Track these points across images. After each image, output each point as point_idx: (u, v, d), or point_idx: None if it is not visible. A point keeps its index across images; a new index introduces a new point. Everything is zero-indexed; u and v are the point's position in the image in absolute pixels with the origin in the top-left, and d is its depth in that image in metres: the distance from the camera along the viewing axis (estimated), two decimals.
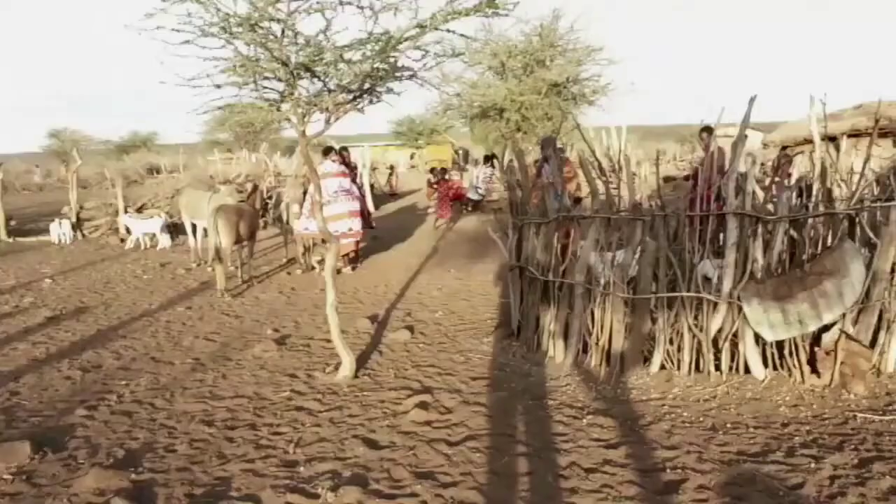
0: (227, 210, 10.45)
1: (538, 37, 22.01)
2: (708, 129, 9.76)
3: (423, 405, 5.58)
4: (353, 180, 13.01)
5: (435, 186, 19.49)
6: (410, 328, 8.02)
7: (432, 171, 23.97)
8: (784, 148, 12.05)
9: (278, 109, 6.29)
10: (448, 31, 5.92)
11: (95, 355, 7.21)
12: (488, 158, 22.25)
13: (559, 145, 19.70)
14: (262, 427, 5.29)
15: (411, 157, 53.58)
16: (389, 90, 6.45)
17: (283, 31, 5.53)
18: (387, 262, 13.11)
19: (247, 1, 5.32)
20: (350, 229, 11.96)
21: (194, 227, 13.11)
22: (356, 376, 6.39)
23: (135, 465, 4.64)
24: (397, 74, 6.29)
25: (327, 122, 6.24)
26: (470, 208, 21.50)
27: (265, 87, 6.11)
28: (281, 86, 6.04)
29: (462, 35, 6.11)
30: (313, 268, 12.10)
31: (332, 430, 5.20)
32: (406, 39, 5.78)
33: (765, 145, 14.24)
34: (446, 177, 18.91)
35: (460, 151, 40.55)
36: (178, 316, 9.03)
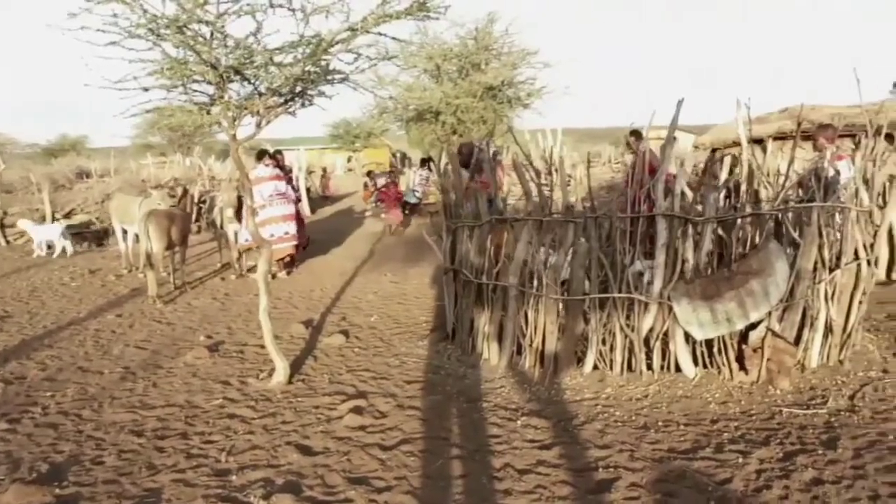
0: (157, 215, 10.27)
1: (473, 40, 22.09)
2: (635, 133, 9.93)
3: (357, 410, 5.55)
4: (289, 184, 12.92)
5: (384, 191, 19.41)
6: (345, 333, 7.97)
7: (369, 174, 23.91)
8: (714, 150, 12.30)
9: (208, 113, 6.20)
10: (380, 34, 5.91)
11: (19, 366, 6.99)
12: (424, 161, 22.29)
13: (494, 148, 19.89)
14: (194, 436, 5.20)
15: (348, 160, 53.34)
16: (321, 93, 6.42)
17: (212, 34, 5.45)
18: (322, 267, 13.03)
19: (175, 2, 5.23)
20: (286, 233, 11.88)
21: (125, 232, 12.84)
22: (290, 382, 6.33)
23: (59, 479, 4.51)
24: (329, 78, 6.26)
25: (258, 125, 6.16)
26: (407, 212, 21.51)
27: (194, 91, 6.02)
28: (211, 89, 5.96)
29: (394, 38, 6.11)
30: (249, 272, 11.95)
31: (265, 437, 5.14)
32: (337, 42, 5.76)
33: (696, 147, 14.55)
34: (394, 179, 18.85)
35: (398, 154, 40.50)
36: (108, 324, 8.82)
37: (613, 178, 27.85)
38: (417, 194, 21.24)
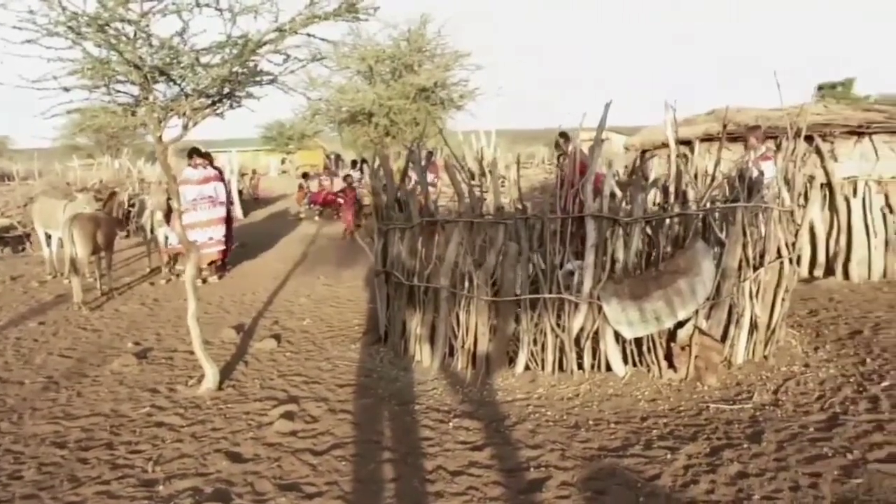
0: (82, 219, 9.98)
1: (406, 42, 22.06)
2: (564, 135, 10.02)
3: (288, 415, 5.49)
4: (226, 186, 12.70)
5: (341, 196, 19.19)
6: (277, 337, 7.88)
7: (304, 175, 23.71)
8: (644, 151, 12.49)
9: (133, 114, 6.05)
10: (309, 35, 5.86)
11: None
12: (356, 163, 22.20)
13: (429, 149, 19.90)
14: (120, 446, 5.06)
15: (282, 162, 52.73)
16: (249, 95, 6.33)
17: (135, 33, 5.32)
18: (255, 270, 12.86)
19: (96, 0, 5.09)
20: (210, 238, 11.62)
21: (49, 237, 12.45)
22: (220, 388, 6.22)
23: None
24: (257, 79, 6.17)
25: (185, 127, 6.04)
26: (341, 213, 21.39)
27: (118, 91, 5.87)
28: (135, 90, 5.82)
29: (323, 39, 6.06)
30: (178, 276, 11.72)
31: (193, 445, 5.04)
32: (265, 43, 5.68)
33: (626, 149, 14.74)
34: (350, 183, 18.69)
35: (332, 156, 40.19)
36: (30, 332, 8.54)
37: (546, 179, 28.15)
38: None
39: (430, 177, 14.45)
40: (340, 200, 21.50)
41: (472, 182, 6.89)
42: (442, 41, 22.52)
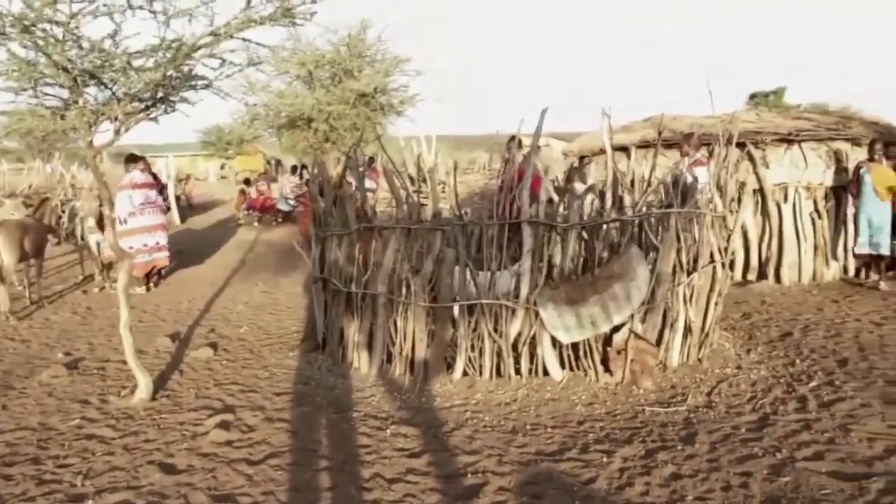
0: (9, 225, 9.69)
1: (346, 47, 21.91)
2: (514, 140, 10.09)
3: (224, 425, 5.39)
4: (160, 192, 12.48)
5: (302, 199, 18.95)
6: (214, 345, 7.75)
7: (246, 181, 23.43)
8: (582, 157, 12.63)
9: (62, 118, 5.90)
10: (244, 39, 5.79)
11: None
12: (296, 169, 22.03)
13: (370, 155, 19.85)
14: (47, 460, 4.90)
15: (221, 167, 52.03)
16: (184, 100, 6.23)
17: (64, 35, 5.19)
18: (192, 277, 12.64)
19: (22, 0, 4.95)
20: (157, 243, 11.40)
21: None
22: (154, 398, 6.08)
23: None
24: (192, 83, 6.09)
25: (117, 132, 5.92)
26: (280, 219, 21.20)
27: (46, 94, 5.74)
28: (65, 92, 5.69)
29: (259, 44, 6.00)
30: (112, 285, 11.45)
31: (125, 457, 4.91)
32: (200, 47, 5.60)
33: (565, 155, 14.89)
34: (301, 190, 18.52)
35: (272, 162, 39.78)
36: None
37: (487, 184, 28.28)
38: (290, 202, 20.98)
39: (370, 183, 14.42)
40: (280, 206, 21.36)
41: (413, 188, 6.88)
42: (382, 46, 22.44)
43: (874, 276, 9.98)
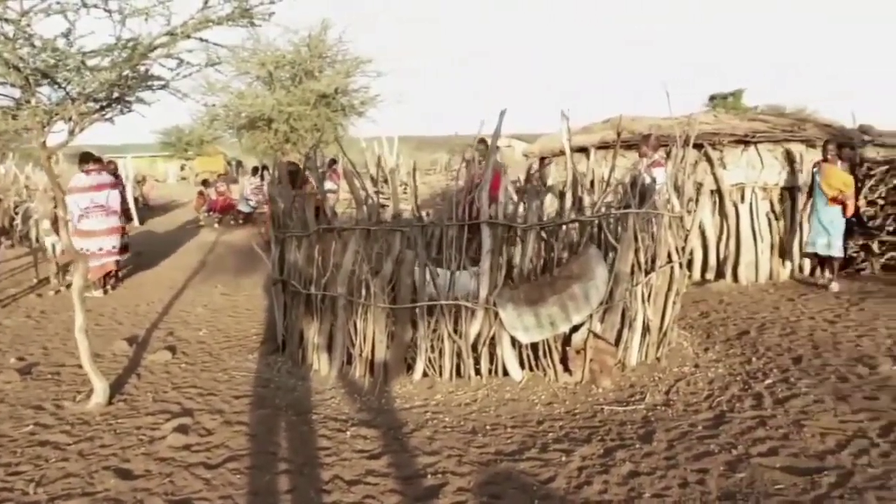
0: None
1: (307, 47, 21.83)
2: (484, 141, 10.12)
3: (181, 429, 5.33)
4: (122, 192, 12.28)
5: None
6: (172, 348, 7.66)
7: (204, 182, 23.20)
8: (543, 159, 12.69)
9: (14, 118, 5.79)
10: (202, 39, 5.73)
11: None
12: (257, 170, 21.87)
13: (332, 156, 19.76)
14: None
15: (181, 168, 51.52)
16: (140, 100, 6.14)
17: (14, 33, 5.09)
18: (150, 280, 12.48)
19: None
20: (100, 249, 11.13)
21: None
22: (110, 403, 5.99)
23: None
24: (149, 84, 6.00)
25: (71, 132, 5.82)
26: (241, 221, 21.03)
27: None
28: (17, 92, 5.58)
29: (217, 44, 5.95)
30: (69, 287, 11.26)
31: (80, 463, 4.83)
32: (157, 47, 5.53)
33: (525, 156, 14.95)
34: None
35: (233, 163, 39.41)
36: None
37: (448, 185, 28.31)
38: (251, 203, 20.81)
39: (331, 184, 14.36)
40: (240, 208, 21.18)
41: (374, 189, 6.87)
42: (343, 47, 22.40)
43: (828, 275, 10.16)
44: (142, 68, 5.71)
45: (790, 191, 10.82)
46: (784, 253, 10.79)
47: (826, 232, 9.92)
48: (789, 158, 10.75)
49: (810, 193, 10.31)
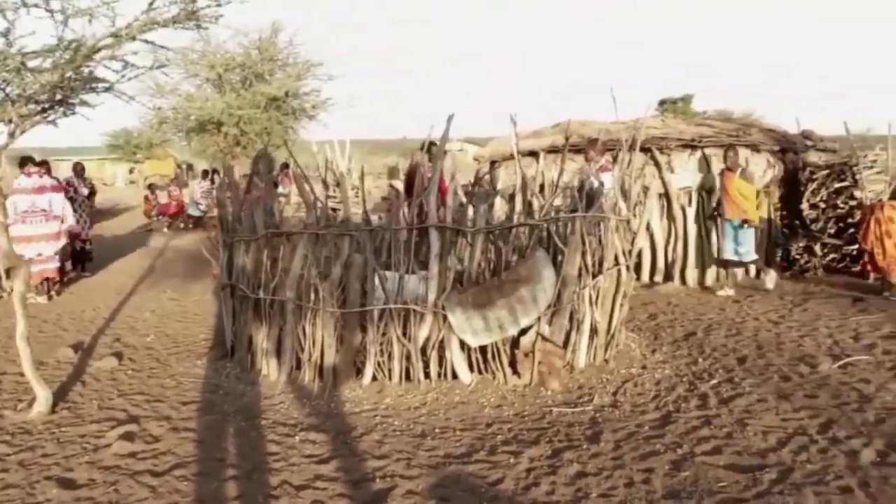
0: None
1: (257, 50, 21.67)
2: (434, 144, 10.13)
3: (127, 436, 5.25)
4: (70, 197, 11.97)
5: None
6: (118, 355, 7.53)
7: (150, 187, 22.91)
8: (493, 162, 12.74)
9: None
10: (147, 41, 5.67)
11: None
12: (207, 173, 21.67)
13: (283, 160, 19.64)
14: None
15: (130, 171, 50.75)
16: (84, 103, 6.05)
17: None
18: (97, 285, 12.28)
19: None
20: (39, 254, 10.84)
21: None
22: (54, 411, 5.86)
23: None
24: (92, 86, 5.92)
25: (11, 134, 5.70)
26: (191, 225, 20.82)
27: None
28: None
29: (162, 47, 5.89)
30: (10, 293, 11.00)
31: (20, 474, 4.71)
32: (101, 49, 5.45)
33: (476, 160, 15.00)
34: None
35: (183, 166, 39.02)
36: None
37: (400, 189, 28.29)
38: (201, 207, 20.62)
39: (283, 188, 14.27)
40: (190, 212, 20.96)
41: (327, 193, 6.83)
42: (294, 50, 22.28)
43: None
44: (85, 70, 5.63)
45: None
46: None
47: (734, 238, 9.98)
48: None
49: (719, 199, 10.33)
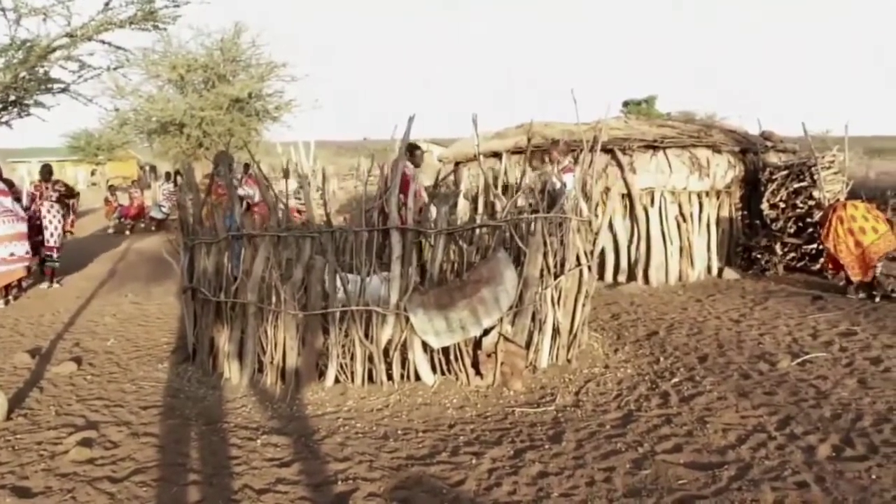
0: None
1: (220, 51, 21.50)
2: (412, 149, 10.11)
3: (86, 442, 5.16)
4: (17, 200, 11.75)
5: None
6: (78, 360, 7.41)
7: (111, 189, 22.63)
8: (457, 163, 12.77)
9: None
10: (104, 42, 5.61)
11: None
12: (170, 175, 21.47)
13: (245, 161, 19.49)
14: None
15: (91, 173, 50.10)
16: (39, 104, 5.97)
17: None
18: (56, 289, 12.09)
19: None
20: (12, 254, 10.76)
21: None
22: (9, 418, 5.75)
23: None
24: (48, 87, 5.84)
25: None
26: (154, 227, 20.60)
27: None
28: None
29: (119, 47, 5.84)
30: None
31: None
32: (56, 49, 5.38)
33: (440, 161, 15.02)
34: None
35: (146, 168, 38.57)
36: None
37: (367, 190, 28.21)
38: (164, 209, 20.41)
39: (248, 189, 14.15)
40: (153, 214, 20.74)
41: (296, 195, 6.79)
42: (257, 51, 22.14)
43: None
44: (40, 70, 5.56)
45: (697, 195, 11.15)
46: (692, 255, 11.09)
47: None
48: (696, 163, 11.06)
49: None
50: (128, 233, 20.23)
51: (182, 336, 7.90)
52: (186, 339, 7.32)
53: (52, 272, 12.45)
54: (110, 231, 20.63)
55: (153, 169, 36.09)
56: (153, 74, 21.28)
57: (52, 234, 12.25)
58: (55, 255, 12.42)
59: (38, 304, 10.77)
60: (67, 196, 12.61)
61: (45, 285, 12.22)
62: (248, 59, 22.02)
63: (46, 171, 12.45)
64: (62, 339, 8.55)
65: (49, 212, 12.24)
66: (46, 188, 12.34)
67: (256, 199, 12.47)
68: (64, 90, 5.83)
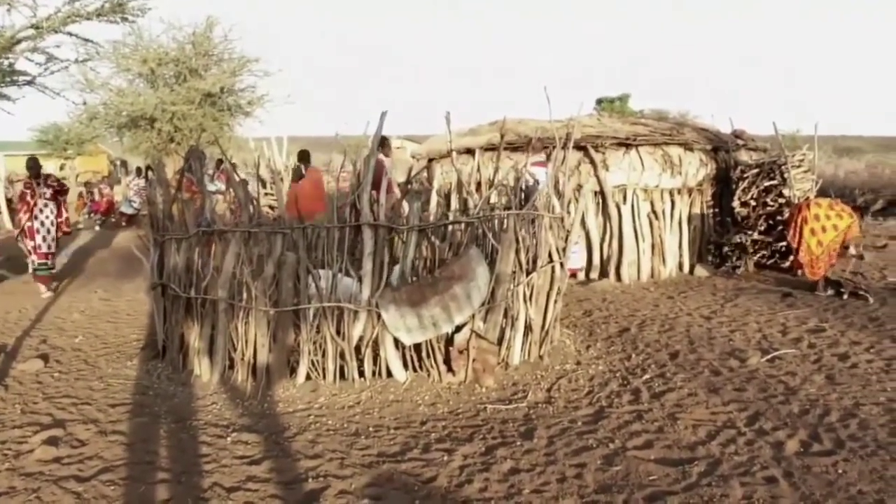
0: None
1: (191, 45, 21.27)
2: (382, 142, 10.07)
3: (52, 441, 5.09)
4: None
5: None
6: (44, 357, 7.30)
7: (86, 185, 22.38)
8: (431, 160, 12.74)
9: None
10: (70, 34, 5.52)
11: None
12: (141, 170, 21.24)
13: (217, 157, 19.33)
14: None
15: (61, 168, 49.35)
16: (3, 96, 5.87)
17: None
18: (22, 286, 11.89)
19: None
20: None
21: None
22: None
23: None
24: (12, 79, 5.74)
25: None
26: (124, 223, 20.38)
27: None
28: None
29: (87, 40, 5.75)
30: None
31: None
32: (21, 41, 5.29)
33: (414, 157, 14.99)
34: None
35: (117, 162, 38.12)
36: None
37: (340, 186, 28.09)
38: (135, 204, 20.20)
39: (219, 184, 14.01)
40: (123, 209, 20.53)
41: (264, 190, 6.73)
42: (229, 45, 21.94)
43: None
44: (4, 62, 5.46)
45: (669, 192, 11.21)
46: (664, 252, 11.16)
47: None
48: (668, 161, 11.13)
49: None
50: (97, 228, 19.99)
51: (152, 333, 7.81)
52: (156, 336, 7.23)
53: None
54: (80, 227, 20.37)
55: (124, 164, 35.67)
56: (123, 68, 20.97)
57: (44, 238, 11.04)
58: (50, 262, 11.25)
59: (3, 301, 10.60)
60: (61, 192, 11.17)
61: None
62: (221, 53, 21.81)
63: (35, 166, 10.99)
64: (29, 335, 8.43)
65: (42, 212, 10.97)
66: (38, 185, 10.92)
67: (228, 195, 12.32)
68: (30, 83, 5.72)
